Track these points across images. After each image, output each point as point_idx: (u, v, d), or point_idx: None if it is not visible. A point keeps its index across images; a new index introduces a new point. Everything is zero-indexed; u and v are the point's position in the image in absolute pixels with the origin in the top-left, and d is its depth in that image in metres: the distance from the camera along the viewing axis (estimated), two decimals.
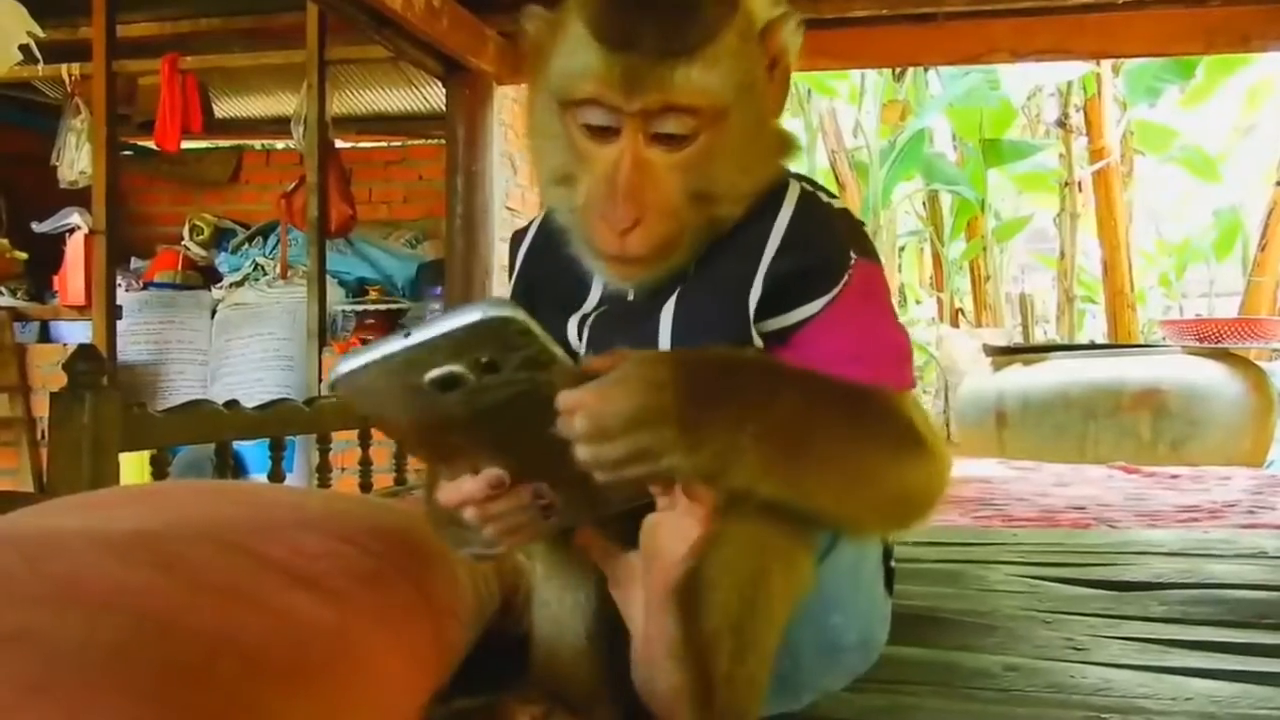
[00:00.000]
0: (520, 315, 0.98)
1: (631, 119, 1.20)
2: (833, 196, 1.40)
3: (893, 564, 1.58)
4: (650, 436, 1.03)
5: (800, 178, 1.37)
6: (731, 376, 1.11)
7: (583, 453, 1.02)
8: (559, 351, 1.02)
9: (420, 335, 0.98)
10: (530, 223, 1.50)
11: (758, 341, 1.27)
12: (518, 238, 1.51)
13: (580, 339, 1.35)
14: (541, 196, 1.37)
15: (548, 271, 1.39)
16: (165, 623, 0.89)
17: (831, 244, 1.28)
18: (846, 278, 1.26)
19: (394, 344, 0.99)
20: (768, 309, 1.26)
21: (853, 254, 1.28)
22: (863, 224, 1.42)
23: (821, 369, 1.22)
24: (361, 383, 1.01)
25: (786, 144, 1.35)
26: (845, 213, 1.38)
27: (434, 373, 1.00)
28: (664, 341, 1.28)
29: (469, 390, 1.01)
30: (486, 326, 0.97)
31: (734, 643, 1.19)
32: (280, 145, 7.92)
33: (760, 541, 1.19)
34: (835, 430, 1.15)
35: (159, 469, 2.96)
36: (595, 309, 1.35)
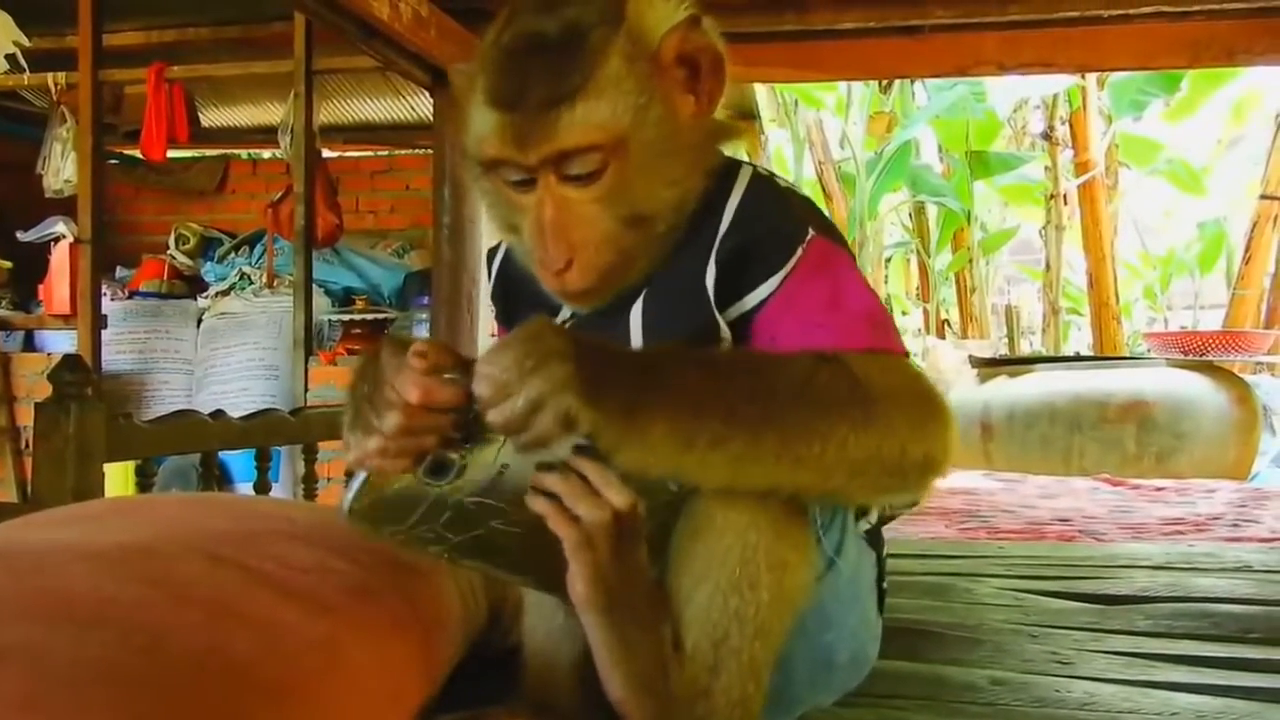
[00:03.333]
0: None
1: (539, 169, 1.23)
2: (789, 183, 1.40)
3: (885, 586, 1.58)
4: (544, 381, 1.03)
5: (754, 166, 1.37)
6: (636, 353, 1.16)
7: (492, 416, 1.04)
8: None
9: None
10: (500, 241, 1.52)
11: (725, 330, 1.27)
12: (492, 253, 1.53)
13: None
14: None
15: (524, 280, 1.40)
16: (154, 637, 0.89)
17: (783, 218, 1.29)
18: (801, 250, 1.26)
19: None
20: (727, 293, 1.26)
21: (810, 229, 1.28)
22: (821, 212, 1.42)
23: (788, 340, 1.23)
24: (369, 500, 1.12)
25: (724, 132, 1.35)
26: (804, 198, 1.39)
27: (423, 463, 1.10)
28: (635, 340, 1.29)
29: (459, 470, 1.10)
30: None
31: (713, 655, 1.19)
32: (267, 154, 7.91)
33: (749, 550, 1.19)
34: (771, 400, 1.13)
35: (144, 479, 2.95)
36: (571, 315, 1.37)
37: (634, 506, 1.13)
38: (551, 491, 1.12)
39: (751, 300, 1.26)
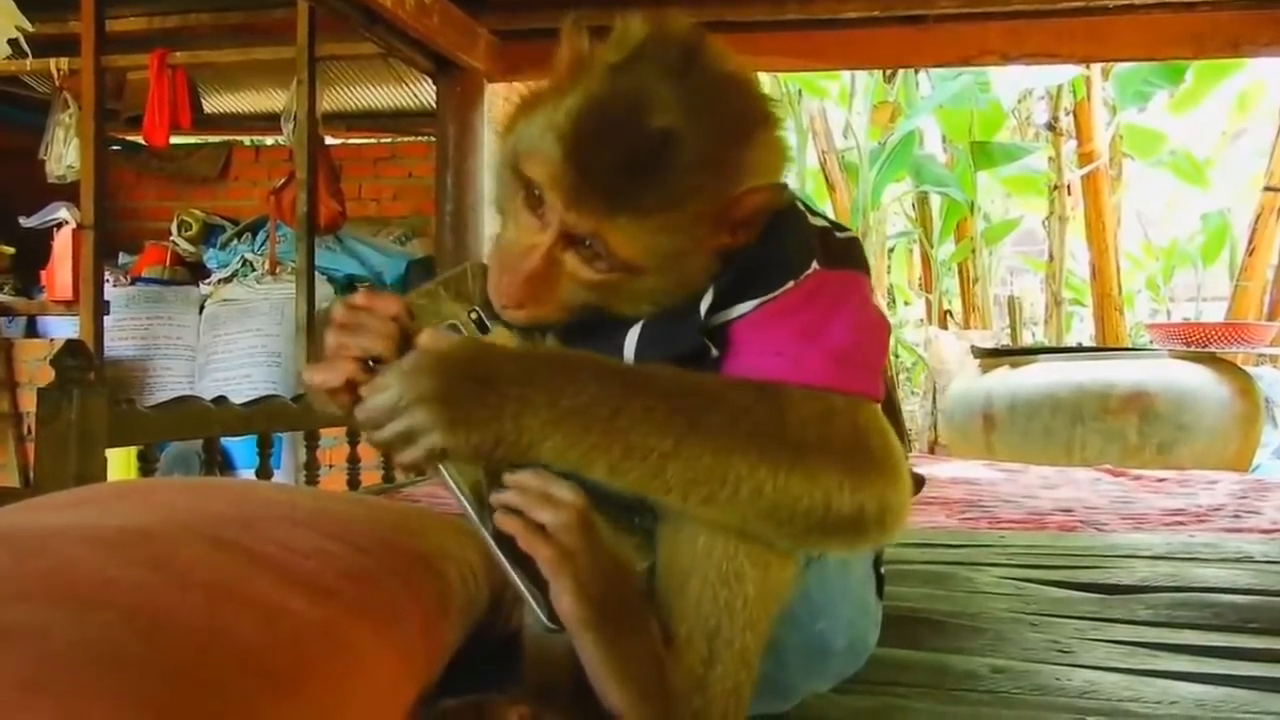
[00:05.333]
0: None
1: (561, 227, 1.19)
2: (819, 214, 1.37)
3: (883, 570, 1.58)
4: (407, 421, 1.07)
5: (790, 196, 1.33)
6: (524, 368, 1.11)
7: (368, 438, 1.11)
8: None
9: (418, 290, 1.21)
10: None
11: (714, 352, 1.24)
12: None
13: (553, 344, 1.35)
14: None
15: None
16: (155, 620, 0.89)
17: (790, 249, 1.27)
18: (794, 283, 1.24)
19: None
20: (717, 306, 1.24)
21: (815, 264, 1.26)
22: (855, 243, 1.39)
23: (743, 361, 1.22)
24: None
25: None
26: (827, 231, 1.35)
27: (438, 328, 1.13)
28: (628, 352, 1.27)
29: None
30: (469, 275, 1.19)
31: (707, 647, 1.19)
32: (269, 141, 7.92)
33: (731, 545, 1.19)
34: (682, 433, 1.10)
35: (146, 465, 2.95)
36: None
37: (584, 501, 1.14)
38: (512, 506, 1.13)
39: (730, 314, 1.24)
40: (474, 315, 1.14)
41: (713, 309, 1.24)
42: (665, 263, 1.20)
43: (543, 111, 1.20)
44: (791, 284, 1.24)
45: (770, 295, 1.23)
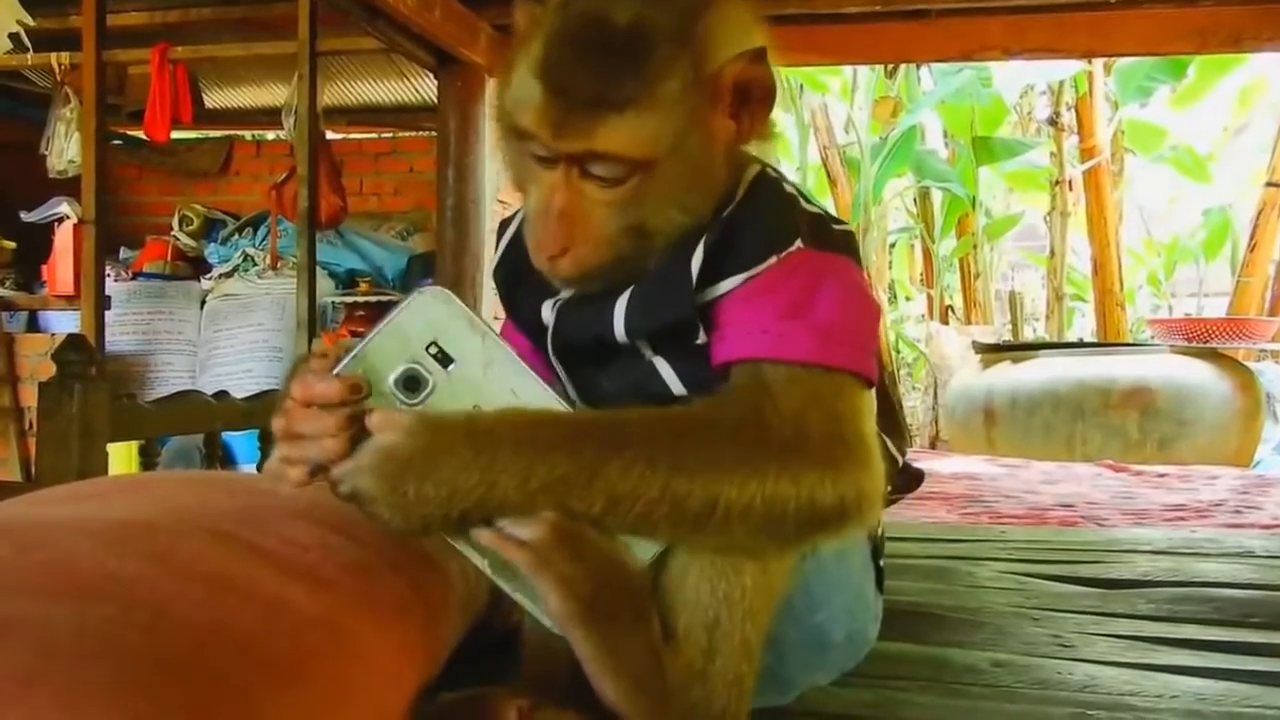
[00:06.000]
0: (453, 297, 1.12)
1: (564, 157, 1.21)
2: (808, 200, 1.37)
3: (882, 563, 1.58)
4: (368, 509, 1.08)
5: (764, 166, 1.35)
6: (486, 444, 1.09)
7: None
8: (494, 339, 1.14)
9: (371, 333, 1.11)
10: (516, 212, 1.50)
11: (702, 334, 1.25)
12: (503, 225, 1.52)
13: (551, 318, 1.37)
14: None
15: (527, 258, 1.39)
16: (156, 613, 0.89)
17: (773, 222, 1.28)
18: (777, 259, 1.24)
19: (351, 352, 1.10)
20: (704, 280, 1.25)
21: (799, 242, 1.26)
22: (850, 236, 1.39)
23: (729, 343, 1.22)
24: None
25: (752, 157, 1.33)
26: (811, 212, 1.35)
27: (395, 372, 1.10)
28: (618, 324, 1.28)
29: (433, 391, 1.11)
30: (423, 305, 1.11)
31: (706, 639, 1.19)
32: (271, 136, 7.91)
33: None
34: (663, 475, 1.10)
35: (148, 459, 2.96)
36: (567, 294, 1.36)
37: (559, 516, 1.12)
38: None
39: (718, 290, 1.25)
40: (432, 350, 1.12)
41: (702, 282, 1.24)
42: (672, 146, 1.21)
43: (516, 69, 1.24)
44: (775, 260, 1.24)
45: (754, 271, 1.24)
